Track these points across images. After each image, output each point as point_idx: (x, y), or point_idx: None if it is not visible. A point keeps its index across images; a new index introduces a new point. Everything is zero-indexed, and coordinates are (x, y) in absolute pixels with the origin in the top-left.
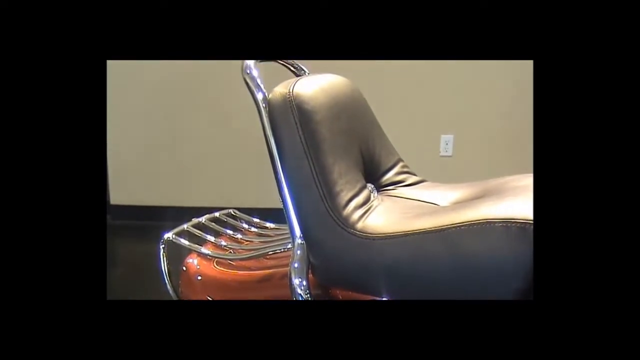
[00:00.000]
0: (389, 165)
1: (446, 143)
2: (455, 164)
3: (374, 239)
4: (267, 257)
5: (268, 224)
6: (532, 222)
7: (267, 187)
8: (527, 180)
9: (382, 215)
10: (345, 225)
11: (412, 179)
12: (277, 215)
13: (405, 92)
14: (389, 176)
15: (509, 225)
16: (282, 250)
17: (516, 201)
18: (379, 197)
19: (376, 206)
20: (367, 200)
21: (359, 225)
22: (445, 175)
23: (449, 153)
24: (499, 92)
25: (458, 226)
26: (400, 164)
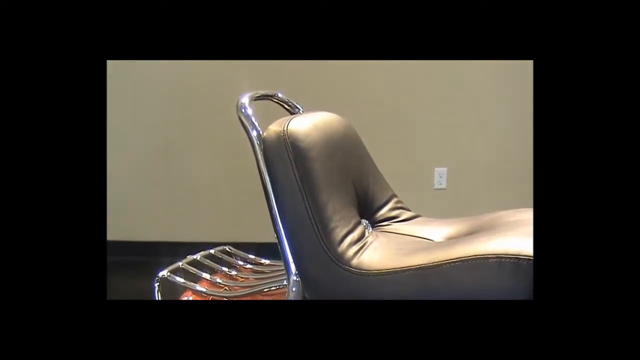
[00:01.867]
0: (383, 200)
1: (440, 176)
2: (449, 197)
3: (369, 275)
4: (263, 294)
5: (263, 261)
6: (525, 257)
7: (262, 222)
8: (520, 215)
9: (377, 251)
10: (341, 261)
11: (406, 214)
12: (274, 250)
13: (398, 125)
14: (383, 212)
15: (502, 260)
16: (278, 287)
17: (510, 236)
18: (374, 233)
19: (371, 242)
20: (362, 236)
21: (354, 261)
22: (439, 208)
23: (443, 186)
24: (493, 125)
25: (452, 262)
26: (394, 199)
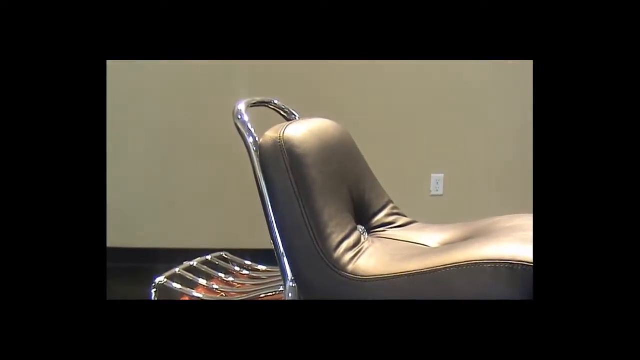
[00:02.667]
0: (379, 207)
1: (437, 182)
2: (445, 203)
3: (364, 281)
4: (259, 299)
5: (260, 267)
6: (520, 262)
7: (259, 228)
8: (517, 221)
9: (372, 257)
10: (337, 267)
11: (402, 220)
12: (270, 256)
13: (395, 130)
14: (379, 218)
15: (497, 266)
16: (274, 293)
17: (505, 242)
18: (370, 238)
19: (367, 248)
20: (358, 242)
21: (350, 267)
22: (436, 214)
23: (440, 192)
24: (490, 131)
25: (448, 267)
26: (390, 205)
